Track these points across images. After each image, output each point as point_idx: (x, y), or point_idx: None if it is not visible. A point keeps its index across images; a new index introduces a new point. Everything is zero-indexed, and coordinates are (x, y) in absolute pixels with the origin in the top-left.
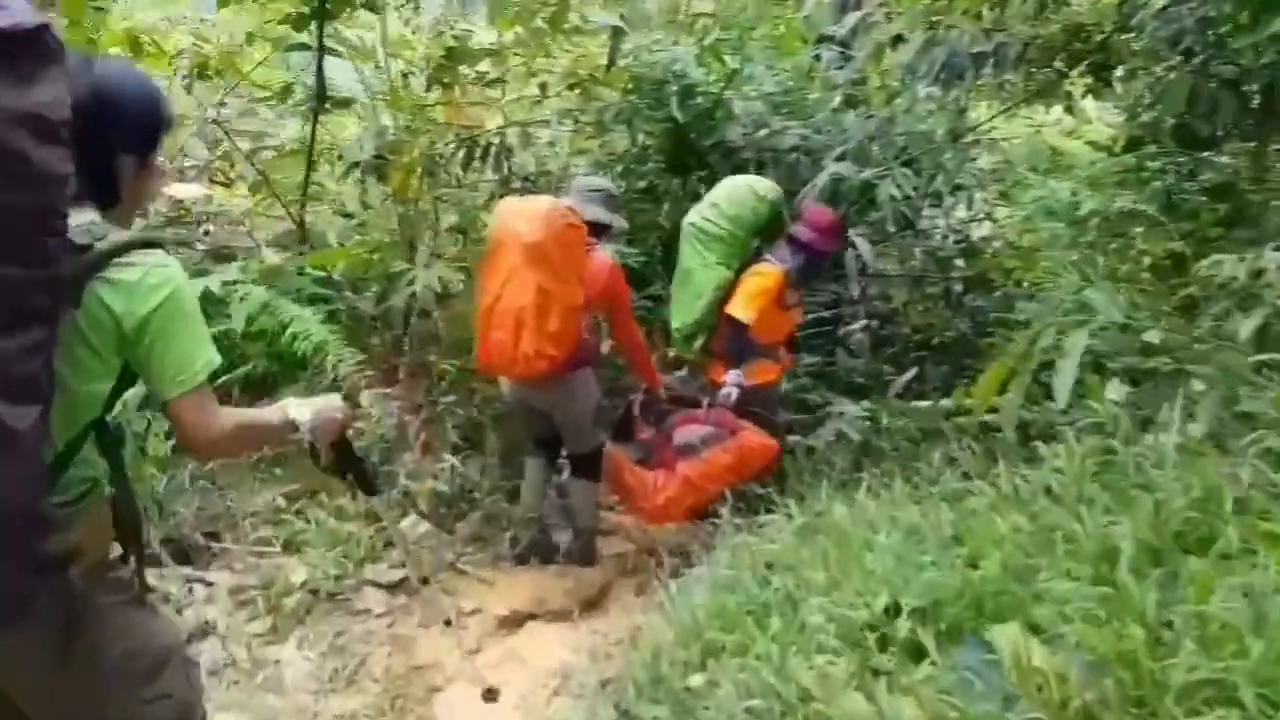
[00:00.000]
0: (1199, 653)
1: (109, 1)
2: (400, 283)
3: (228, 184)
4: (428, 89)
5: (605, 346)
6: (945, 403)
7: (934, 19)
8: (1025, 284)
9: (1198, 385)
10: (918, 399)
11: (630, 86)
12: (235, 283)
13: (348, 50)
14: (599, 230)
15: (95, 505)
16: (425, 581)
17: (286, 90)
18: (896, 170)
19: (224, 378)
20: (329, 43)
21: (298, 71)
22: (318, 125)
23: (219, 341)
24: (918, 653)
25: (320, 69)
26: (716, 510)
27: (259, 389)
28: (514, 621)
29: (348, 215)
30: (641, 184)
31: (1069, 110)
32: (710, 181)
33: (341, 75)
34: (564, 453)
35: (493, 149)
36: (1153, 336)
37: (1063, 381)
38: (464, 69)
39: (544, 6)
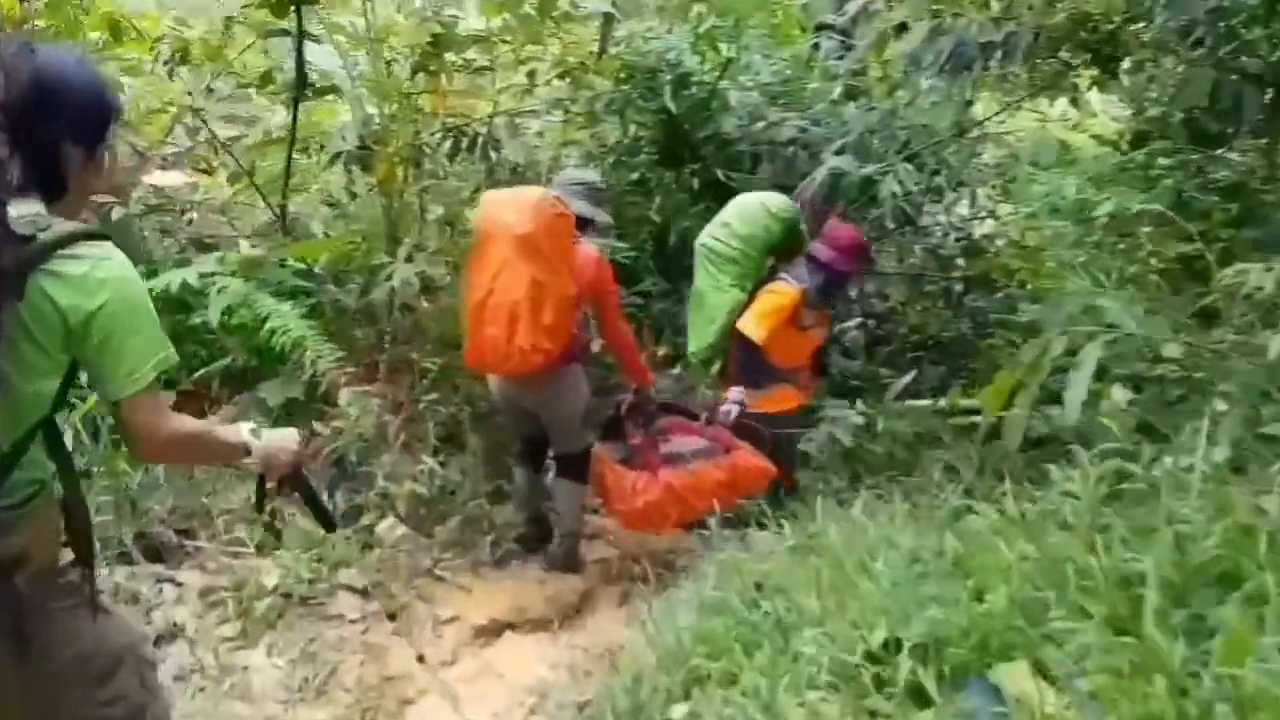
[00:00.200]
0: None
1: None
2: (382, 276)
3: (209, 172)
4: (411, 76)
5: (595, 345)
6: (943, 403)
7: (938, 7)
8: (1029, 285)
9: (1220, 405)
10: (913, 399)
11: (622, 75)
12: (213, 274)
13: (330, 36)
14: (581, 225)
15: (43, 508)
16: (401, 589)
17: (267, 77)
18: (899, 166)
19: (201, 371)
20: (312, 28)
21: (280, 57)
22: (301, 113)
23: (195, 334)
24: (918, 694)
25: (300, 55)
26: (704, 521)
27: (239, 383)
28: (491, 631)
29: (332, 204)
30: (633, 176)
31: (1074, 103)
32: (704, 175)
33: (327, 62)
34: (550, 453)
35: (480, 139)
36: (1173, 351)
37: (1074, 395)
38: (450, 56)
39: None
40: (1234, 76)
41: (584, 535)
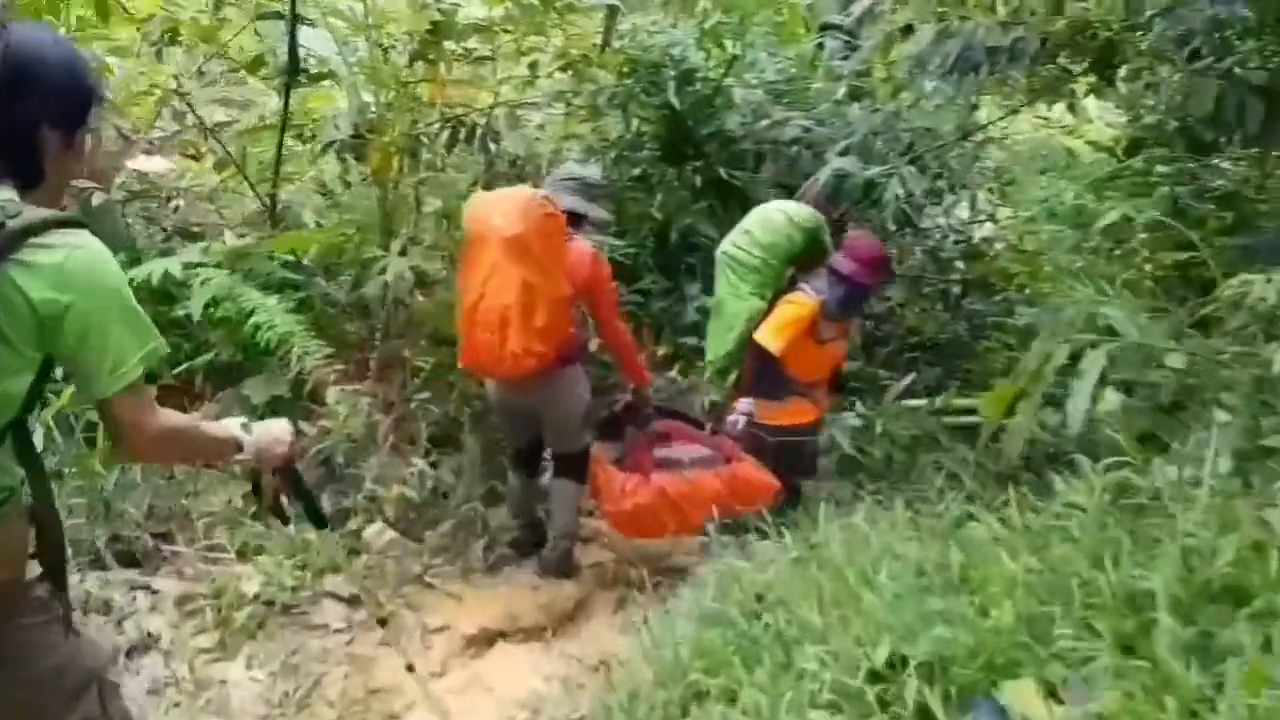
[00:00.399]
0: None
1: None
2: (375, 269)
3: (197, 158)
4: (410, 64)
5: (594, 344)
6: (939, 403)
7: (944, 10)
8: (1026, 289)
9: (1220, 415)
10: (910, 398)
11: (626, 69)
12: (197, 265)
13: (326, 20)
14: (575, 220)
15: (11, 518)
16: (388, 597)
17: (259, 61)
18: (903, 168)
19: (184, 365)
20: (308, 12)
21: (274, 41)
22: (296, 99)
23: (176, 328)
24: (924, 715)
25: (293, 39)
26: (703, 527)
27: (223, 378)
28: (483, 640)
29: (325, 194)
30: (635, 172)
31: (1071, 109)
32: (706, 172)
33: (323, 47)
34: (546, 454)
35: (479, 131)
36: (1176, 361)
37: (1077, 405)
38: (450, 45)
39: None
40: (1236, 87)
41: (579, 538)
